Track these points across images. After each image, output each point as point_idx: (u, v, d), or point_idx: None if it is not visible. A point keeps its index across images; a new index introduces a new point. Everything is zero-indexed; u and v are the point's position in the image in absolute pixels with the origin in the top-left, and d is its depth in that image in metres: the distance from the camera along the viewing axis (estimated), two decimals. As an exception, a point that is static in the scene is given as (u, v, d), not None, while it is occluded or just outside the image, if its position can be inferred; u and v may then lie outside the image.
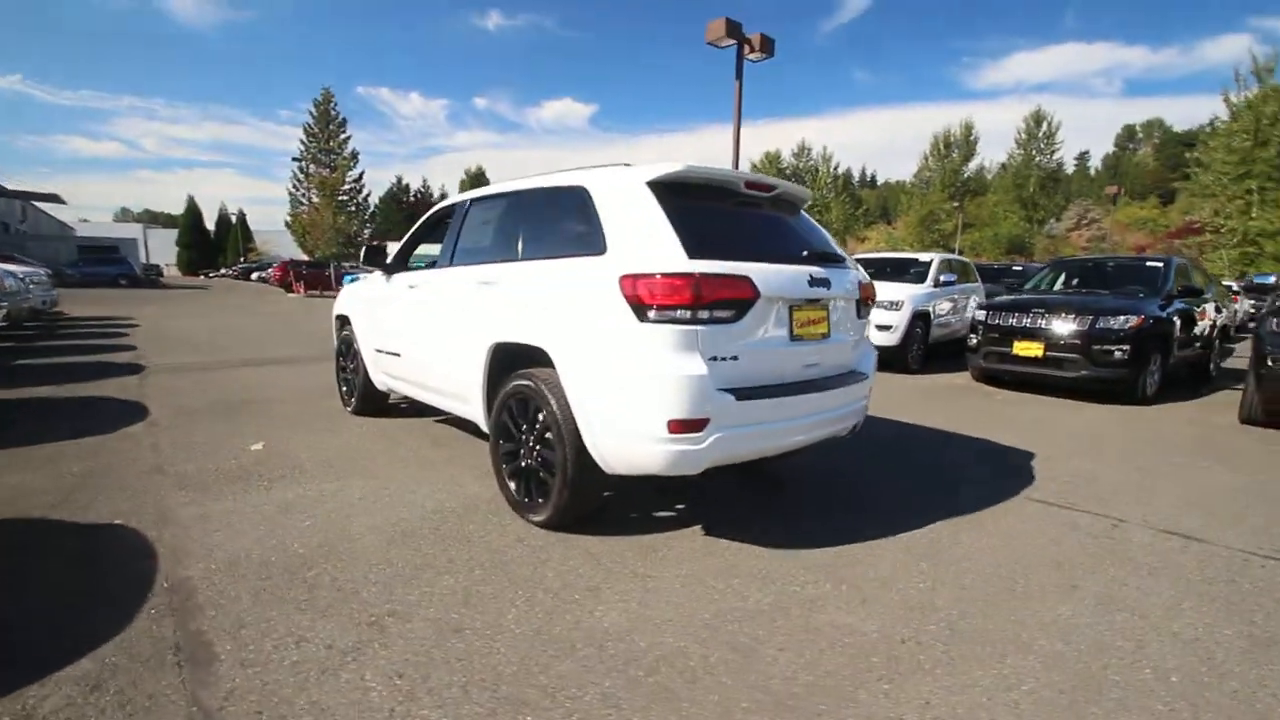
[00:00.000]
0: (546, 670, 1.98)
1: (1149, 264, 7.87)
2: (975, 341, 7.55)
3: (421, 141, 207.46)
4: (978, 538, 3.08)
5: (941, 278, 9.20)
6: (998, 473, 4.17)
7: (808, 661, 2.06)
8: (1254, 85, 31.11)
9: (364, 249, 4.65)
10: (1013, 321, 7.13)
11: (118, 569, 2.58)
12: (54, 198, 33.53)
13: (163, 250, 62.10)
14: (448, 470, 3.93)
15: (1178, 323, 6.96)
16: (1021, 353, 6.97)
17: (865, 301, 3.43)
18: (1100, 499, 3.67)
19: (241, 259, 57.28)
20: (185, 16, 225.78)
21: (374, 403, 5.14)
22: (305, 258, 36.22)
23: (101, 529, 2.96)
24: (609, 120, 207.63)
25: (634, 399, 2.57)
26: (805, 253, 3.09)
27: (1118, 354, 6.41)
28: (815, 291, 2.98)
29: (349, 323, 5.21)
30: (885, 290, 8.26)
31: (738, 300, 2.65)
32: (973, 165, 49.19)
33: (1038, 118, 48.47)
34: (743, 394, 2.63)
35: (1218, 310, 8.47)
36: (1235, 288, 17.42)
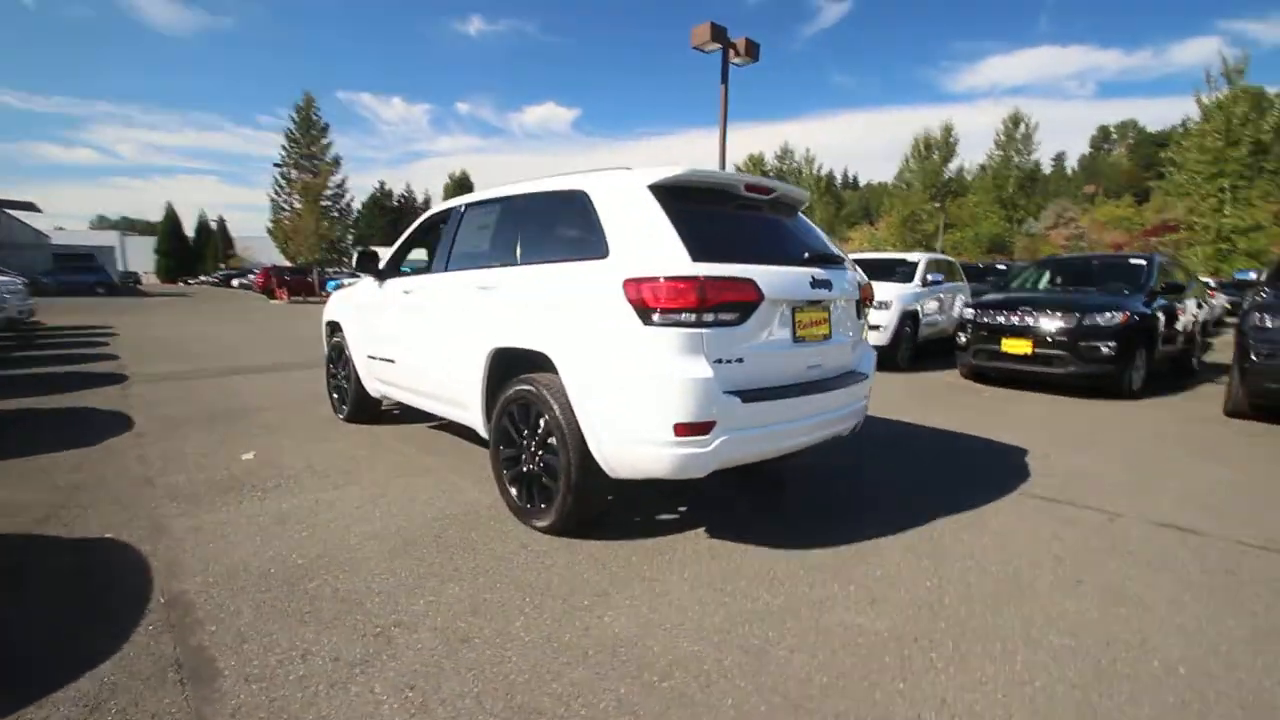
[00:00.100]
0: (559, 678, 1.95)
1: (1133, 261, 7.99)
2: (964, 340, 7.63)
3: (404, 146, 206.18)
4: (979, 535, 3.10)
5: (929, 277, 9.29)
6: (993, 470, 4.20)
7: (821, 663, 2.05)
8: (1224, 86, 31.84)
9: (356, 254, 4.58)
10: (1001, 320, 7.21)
11: (112, 584, 2.51)
12: (29, 206, 32.87)
13: (141, 258, 61.08)
14: (445, 476, 3.89)
15: (1161, 319, 7.08)
16: (1010, 350, 7.05)
17: (864, 302, 3.44)
18: (1095, 494, 3.71)
19: (222, 266, 56.53)
20: (160, 21, 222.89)
21: (366, 409, 5.07)
22: (288, 264, 35.77)
23: (92, 543, 2.89)
24: (592, 125, 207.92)
25: (640, 403, 2.56)
26: (806, 254, 3.09)
27: (1104, 350, 6.51)
28: (817, 293, 2.98)
29: (340, 329, 5.14)
30: (874, 290, 8.32)
31: (742, 303, 2.65)
32: (953, 166, 49.71)
33: (1015, 119, 49.05)
34: (748, 396, 2.63)
35: (1199, 306, 8.63)
36: (1212, 284, 17.79)
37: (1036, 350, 6.87)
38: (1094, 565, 2.80)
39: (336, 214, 36.36)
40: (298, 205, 35.13)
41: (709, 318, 2.55)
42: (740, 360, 2.66)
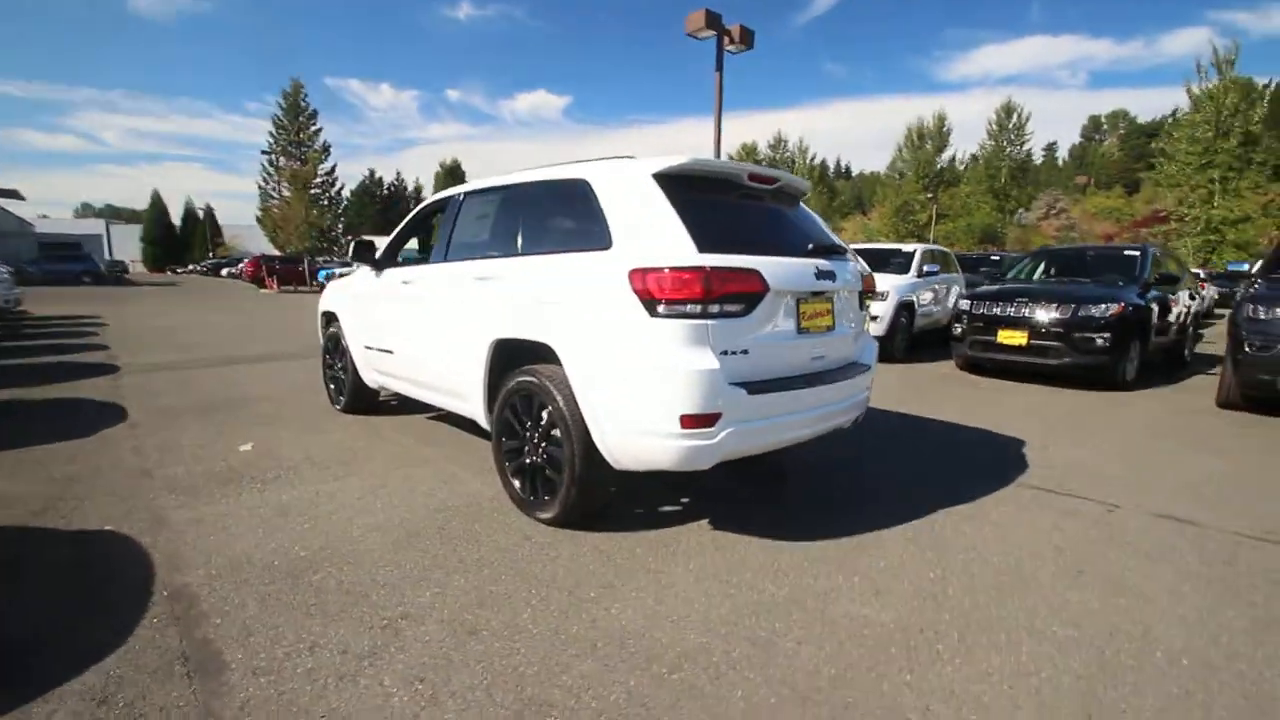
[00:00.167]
0: (568, 670, 1.95)
1: (1127, 253, 8.03)
2: (960, 330, 7.65)
3: (394, 133, 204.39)
4: (980, 526, 3.12)
5: (925, 268, 9.30)
6: (991, 460, 4.23)
7: (829, 654, 2.06)
8: (1215, 77, 31.96)
9: (353, 244, 4.53)
10: (997, 311, 7.24)
11: (113, 577, 2.49)
12: (13, 194, 32.24)
13: (127, 246, 60.16)
14: (444, 467, 3.87)
15: (1155, 310, 7.13)
16: (1006, 341, 7.08)
17: (866, 293, 3.44)
18: (1093, 485, 3.74)
19: (210, 255, 55.80)
20: (143, 4, 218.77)
21: (364, 400, 5.04)
22: (277, 253, 35.43)
23: (92, 536, 2.86)
24: (583, 112, 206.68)
25: (645, 394, 2.55)
26: (811, 246, 3.08)
27: (1099, 341, 6.54)
28: (821, 284, 2.98)
29: (336, 319, 5.09)
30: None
31: (748, 294, 2.63)
32: (945, 156, 49.76)
33: (1008, 109, 49.16)
34: (753, 388, 2.62)
35: (1191, 298, 8.69)
36: (1202, 275, 17.94)
37: (1032, 341, 6.90)
38: (1094, 556, 2.82)
39: (326, 202, 36.04)
40: (287, 193, 34.80)
41: (715, 309, 2.54)
42: (745, 352, 2.66)
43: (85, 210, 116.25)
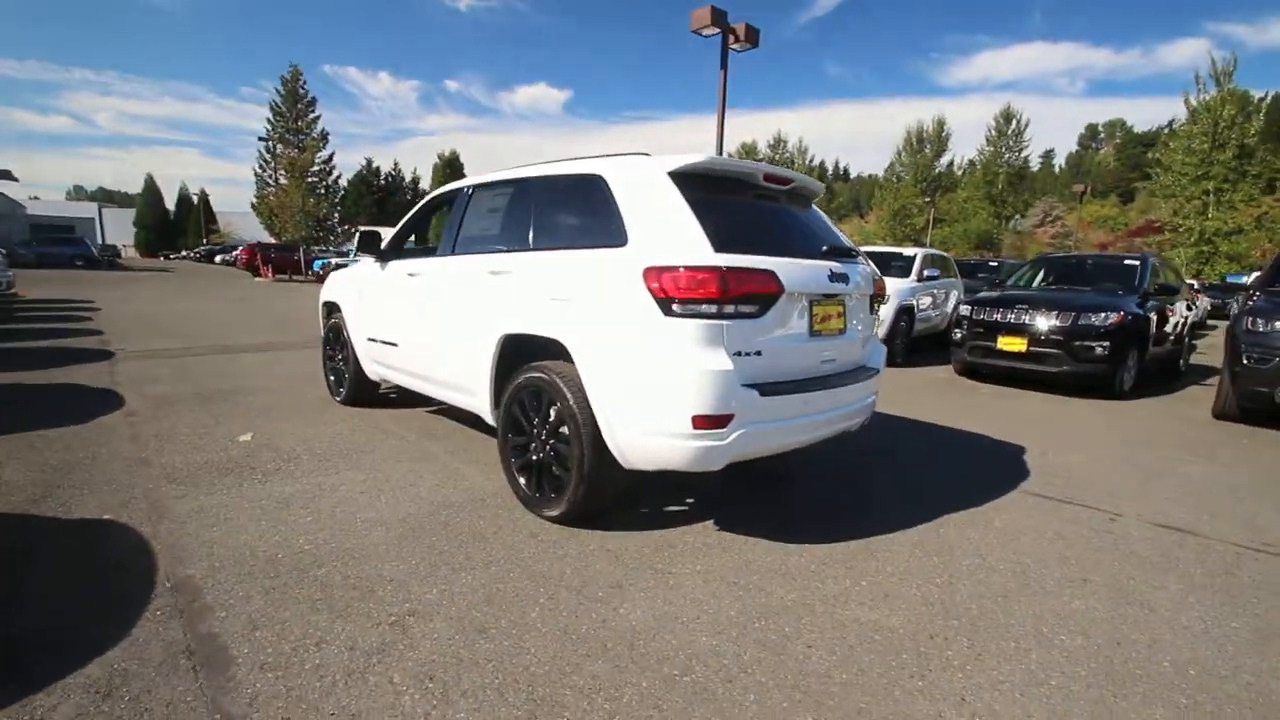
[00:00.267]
0: (579, 670, 1.94)
1: (1126, 262, 8.07)
2: (960, 336, 7.67)
3: (391, 123, 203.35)
4: (984, 532, 3.13)
5: (925, 273, 9.32)
6: (993, 467, 4.24)
7: (840, 658, 2.06)
8: (1213, 89, 32.17)
9: (358, 234, 4.50)
10: (997, 317, 7.26)
11: (115, 568, 2.46)
12: (6, 174, 31.81)
13: (119, 231, 59.65)
14: (447, 462, 3.85)
15: (1153, 320, 7.16)
16: (1005, 347, 7.10)
17: (876, 297, 3.44)
18: (1094, 493, 3.76)
19: (204, 241, 55.32)
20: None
21: (365, 392, 5.01)
22: (272, 240, 35.16)
23: (91, 525, 2.83)
24: (583, 107, 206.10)
25: (658, 394, 2.53)
26: (825, 248, 3.07)
27: (1098, 350, 6.57)
28: (834, 287, 2.97)
29: (338, 309, 5.05)
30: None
31: (763, 295, 2.62)
32: (943, 161, 49.97)
33: (1007, 115, 49.37)
34: (766, 389, 2.61)
35: (1188, 308, 8.75)
36: (1195, 285, 18.06)
37: (1031, 348, 6.93)
38: (1098, 564, 2.83)
39: (323, 191, 35.70)
40: (283, 181, 34.44)
41: (730, 309, 2.53)
42: (759, 353, 2.65)
43: (78, 193, 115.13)
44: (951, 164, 50.82)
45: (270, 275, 29.22)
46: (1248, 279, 7.38)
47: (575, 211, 3.15)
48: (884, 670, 2.01)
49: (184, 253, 55.21)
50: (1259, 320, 5.57)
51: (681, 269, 2.50)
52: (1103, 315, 6.66)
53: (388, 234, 4.72)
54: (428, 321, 3.91)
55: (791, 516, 3.27)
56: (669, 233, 2.62)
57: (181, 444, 4.00)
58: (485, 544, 2.77)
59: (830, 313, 3.00)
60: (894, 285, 8.72)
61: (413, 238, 4.77)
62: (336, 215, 37.81)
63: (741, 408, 2.53)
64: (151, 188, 60.68)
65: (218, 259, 43.17)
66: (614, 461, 2.74)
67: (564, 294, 2.90)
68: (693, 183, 2.78)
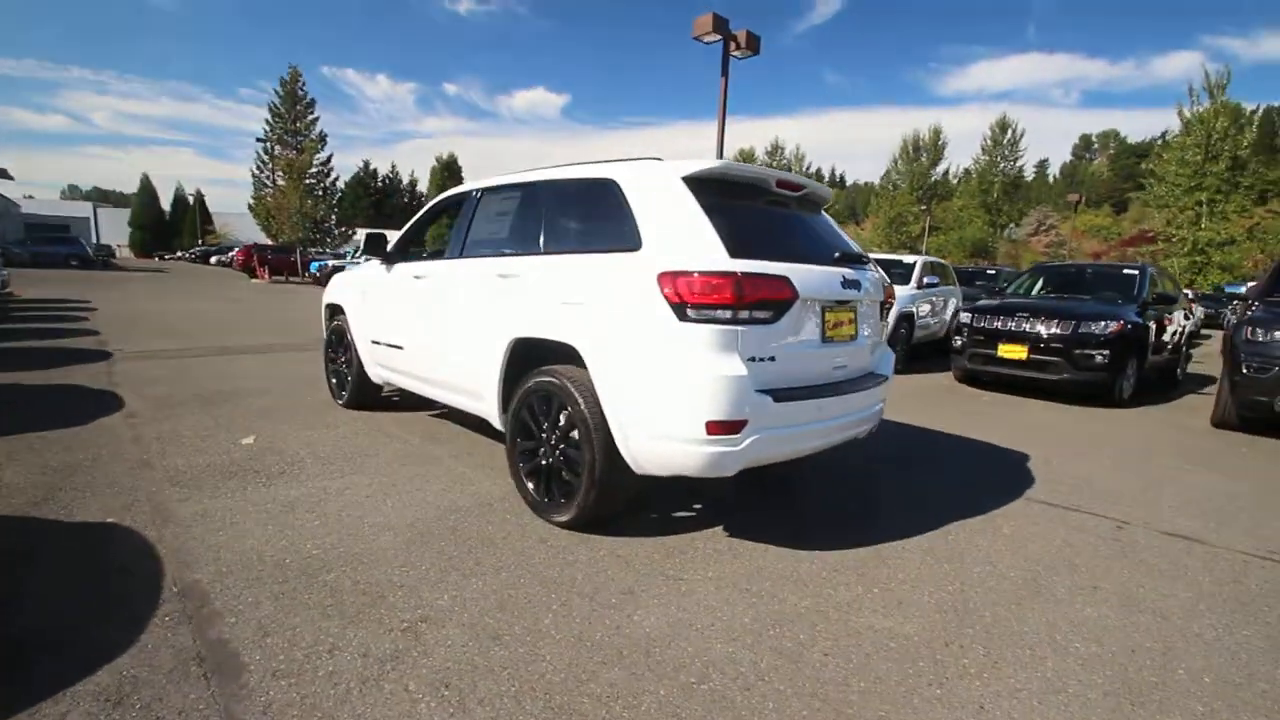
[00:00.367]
0: (595, 678, 1.92)
1: (1126, 271, 8.12)
2: (960, 343, 7.70)
3: (389, 126, 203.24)
4: (993, 540, 3.12)
5: (925, 280, 9.35)
6: (998, 474, 4.25)
7: (856, 666, 2.05)
8: (1206, 101, 32.45)
9: (364, 236, 4.49)
10: (998, 325, 7.29)
11: (120, 572, 2.42)
12: (1, 173, 31.57)
13: (115, 230, 59.25)
14: (452, 466, 3.83)
15: (1152, 328, 7.21)
16: (1006, 355, 7.13)
17: (887, 303, 3.44)
18: (1100, 500, 3.77)
19: (200, 242, 55.02)
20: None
21: (368, 395, 4.98)
22: (269, 242, 35.01)
23: (95, 528, 2.79)
24: (582, 112, 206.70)
25: (672, 399, 2.52)
26: (837, 254, 3.07)
27: (1098, 358, 6.60)
28: (847, 293, 2.97)
29: (342, 312, 5.02)
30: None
31: (777, 301, 2.62)
32: (939, 169, 50.24)
33: (1003, 125, 49.74)
34: (779, 395, 2.61)
35: (1185, 317, 8.80)
36: (1190, 295, 18.19)
37: (1031, 356, 6.96)
38: (1108, 572, 2.83)
39: (321, 193, 35.64)
40: (281, 182, 34.36)
41: (744, 315, 2.52)
42: (772, 359, 2.64)
43: (73, 192, 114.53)
44: (947, 172, 51.15)
45: (267, 277, 29.10)
46: (1245, 289, 7.40)
47: (588, 215, 3.14)
48: (901, 678, 2.00)
49: (179, 253, 54.91)
50: (1258, 330, 5.60)
51: (696, 274, 2.49)
52: (1103, 324, 6.69)
53: (392, 237, 4.71)
54: (434, 324, 3.89)
55: (800, 523, 3.27)
56: (683, 238, 2.62)
57: (183, 446, 3.96)
58: (495, 549, 2.75)
59: (842, 319, 3.00)
60: (895, 292, 8.75)
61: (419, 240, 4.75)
62: (334, 217, 37.73)
63: (755, 413, 2.52)
64: (147, 187, 60.37)
65: (213, 260, 42.95)
66: (625, 466, 2.73)
67: (576, 298, 2.89)
68: (706, 188, 2.78)
